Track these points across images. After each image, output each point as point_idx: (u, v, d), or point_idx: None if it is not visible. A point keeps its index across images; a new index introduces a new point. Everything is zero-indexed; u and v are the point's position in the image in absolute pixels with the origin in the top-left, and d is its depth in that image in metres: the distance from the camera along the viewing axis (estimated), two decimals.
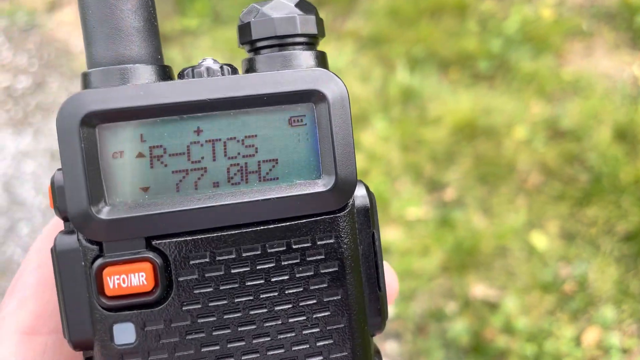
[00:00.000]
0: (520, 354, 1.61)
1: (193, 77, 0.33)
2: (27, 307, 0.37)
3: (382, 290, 0.36)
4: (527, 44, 2.34)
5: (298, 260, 0.33)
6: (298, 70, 0.33)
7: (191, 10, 2.74)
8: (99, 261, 0.31)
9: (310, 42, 0.36)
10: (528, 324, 1.66)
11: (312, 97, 0.33)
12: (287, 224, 0.33)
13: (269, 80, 0.32)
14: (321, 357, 0.34)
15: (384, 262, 0.41)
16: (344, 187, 0.33)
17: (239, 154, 0.32)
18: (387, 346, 1.68)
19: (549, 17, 2.40)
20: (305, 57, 0.35)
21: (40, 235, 0.40)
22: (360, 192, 0.35)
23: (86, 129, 0.31)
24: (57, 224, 0.39)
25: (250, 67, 0.36)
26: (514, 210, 1.91)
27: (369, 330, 0.35)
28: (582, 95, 2.17)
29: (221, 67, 0.33)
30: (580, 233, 1.85)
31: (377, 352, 0.38)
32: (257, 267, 0.32)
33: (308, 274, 0.33)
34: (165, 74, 0.34)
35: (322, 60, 0.36)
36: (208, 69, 0.33)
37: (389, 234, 1.89)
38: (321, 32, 0.36)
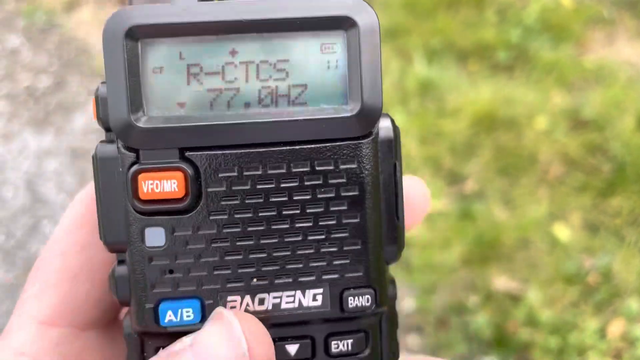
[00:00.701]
0: (544, 347, 1.59)
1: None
2: (47, 296, 0.38)
3: (400, 220, 0.37)
4: (547, 33, 2.31)
5: (320, 182, 0.34)
6: None
7: None
8: (135, 167, 0.33)
9: None
10: (552, 317, 1.64)
11: (344, 23, 0.34)
12: (312, 146, 0.34)
13: (303, 4, 0.33)
14: (337, 275, 0.35)
15: (415, 177, 0.44)
16: (369, 114, 0.34)
17: (270, 77, 0.34)
18: (408, 340, 1.68)
19: (569, 5, 2.37)
20: None
21: (61, 223, 0.41)
22: (385, 124, 0.36)
23: (130, 42, 0.33)
24: (76, 212, 0.40)
25: None
26: (536, 201, 1.89)
27: (386, 255, 0.37)
28: (604, 84, 2.13)
29: None
30: (604, 224, 1.83)
31: (392, 282, 0.39)
32: (282, 185, 0.34)
33: (329, 195, 0.34)
34: None
35: None
36: None
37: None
38: None
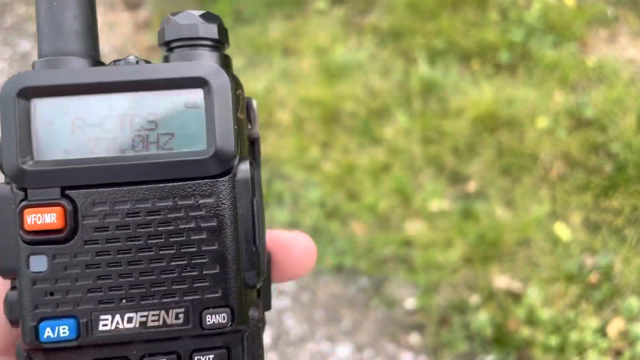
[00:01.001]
0: (544, 345, 1.61)
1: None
2: None
3: (258, 247, 0.42)
4: (550, 32, 2.31)
5: (182, 214, 0.40)
6: (191, 63, 0.42)
7: (213, 9, 2.77)
8: (23, 203, 0.39)
9: (215, 45, 0.44)
10: (552, 315, 1.66)
11: (200, 83, 0.41)
12: (175, 184, 0.40)
13: (165, 68, 0.41)
14: (197, 296, 0.40)
15: (302, 233, 0.49)
16: (222, 156, 0.40)
17: (142, 127, 0.41)
18: (410, 338, 1.70)
19: (571, 4, 2.37)
20: (210, 57, 0.44)
21: None
22: (243, 167, 0.41)
23: (21, 100, 0.39)
24: None
25: (165, 62, 0.44)
26: (538, 201, 1.90)
27: (245, 280, 0.42)
28: (606, 83, 2.14)
29: (137, 61, 0.41)
30: (605, 223, 1.84)
31: (257, 306, 0.43)
32: (148, 218, 0.40)
33: (190, 225, 0.40)
34: (95, 65, 0.43)
35: (225, 62, 0.45)
36: (126, 61, 0.41)
37: (411, 227, 1.90)
38: (224, 39, 0.45)
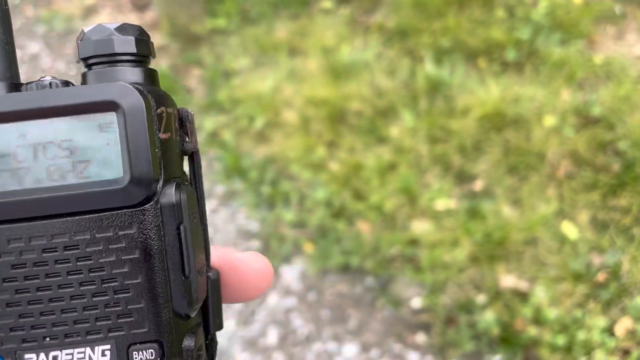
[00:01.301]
0: (551, 345, 1.60)
1: (27, 91, 0.40)
2: None
3: (188, 277, 0.40)
4: (557, 30, 2.30)
5: (101, 247, 0.38)
6: (101, 85, 0.39)
7: (220, 10, 2.79)
8: None
9: (138, 60, 0.41)
10: (559, 315, 1.65)
11: (112, 106, 0.38)
12: (93, 215, 0.38)
13: (74, 92, 0.38)
14: (123, 332, 0.39)
15: (257, 254, 0.47)
16: (139, 183, 0.38)
17: (56, 155, 0.38)
18: (416, 338, 1.70)
19: (578, 1, 2.35)
20: (132, 73, 0.41)
21: None
22: (168, 191, 0.39)
23: None
24: None
25: (83, 82, 0.42)
26: (545, 200, 1.89)
27: (177, 311, 0.40)
28: (614, 80, 2.12)
29: (50, 84, 0.39)
30: (613, 222, 1.83)
31: (193, 333, 0.42)
32: (65, 252, 0.38)
33: (110, 259, 0.38)
34: (11, 89, 0.40)
35: (150, 77, 0.42)
36: (37, 84, 0.39)
37: (418, 227, 1.90)
38: (144, 52, 0.42)
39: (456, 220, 1.89)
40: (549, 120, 2.04)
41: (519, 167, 1.98)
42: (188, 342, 0.40)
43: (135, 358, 0.39)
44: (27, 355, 0.38)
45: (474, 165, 2.02)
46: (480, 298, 1.74)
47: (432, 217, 1.91)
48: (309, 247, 1.93)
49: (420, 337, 1.70)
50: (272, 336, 1.75)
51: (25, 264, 0.38)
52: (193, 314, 0.41)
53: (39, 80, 0.39)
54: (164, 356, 0.39)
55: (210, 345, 0.46)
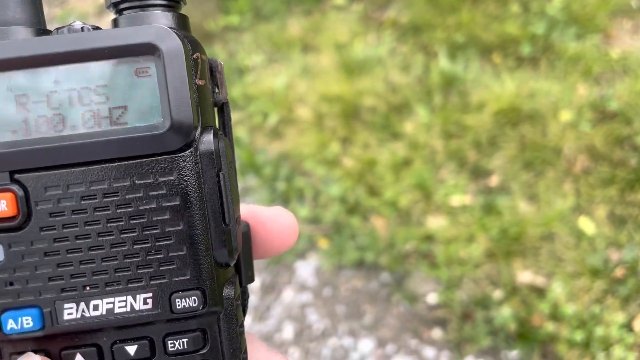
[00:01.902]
0: (569, 341, 1.59)
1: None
2: None
3: (229, 225, 0.39)
4: (572, 24, 2.28)
5: (141, 194, 0.37)
6: (138, 27, 0.37)
7: (233, 7, 2.79)
8: None
9: (170, 4, 0.40)
10: (577, 310, 1.64)
11: (150, 49, 0.37)
12: (131, 162, 0.37)
13: (110, 35, 0.37)
14: (165, 279, 0.38)
15: (283, 209, 0.47)
16: (179, 129, 0.37)
17: (92, 101, 0.37)
18: (432, 333, 1.70)
19: None
20: (165, 18, 0.40)
21: None
22: (206, 138, 0.38)
23: None
24: None
25: (114, 27, 0.40)
26: (561, 195, 1.88)
27: (217, 259, 0.39)
28: (631, 75, 2.10)
29: (82, 28, 0.38)
30: (631, 217, 1.81)
31: (231, 283, 0.41)
32: (105, 199, 0.37)
33: (151, 206, 0.38)
34: (39, 35, 0.39)
35: (182, 22, 0.41)
36: (69, 28, 0.38)
37: (433, 222, 1.89)
38: None
39: (472, 216, 1.88)
40: (565, 115, 2.03)
41: (535, 162, 1.97)
42: (228, 291, 0.40)
43: (178, 305, 0.38)
44: (66, 305, 0.38)
45: (490, 160, 2.00)
46: (497, 294, 1.73)
47: (448, 212, 1.91)
48: (323, 243, 1.93)
49: (437, 333, 1.70)
50: (288, 331, 1.75)
51: (64, 212, 0.37)
52: (232, 263, 0.41)
53: (69, 25, 0.38)
54: (206, 304, 0.39)
55: (243, 297, 0.46)
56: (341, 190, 2.01)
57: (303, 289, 1.85)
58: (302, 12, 2.68)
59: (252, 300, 1.83)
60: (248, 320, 1.78)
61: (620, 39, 2.24)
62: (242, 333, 0.42)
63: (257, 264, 1.94)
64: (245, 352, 0.43)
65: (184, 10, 0.42)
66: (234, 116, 2.38)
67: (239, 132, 2.32)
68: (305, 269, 1.89)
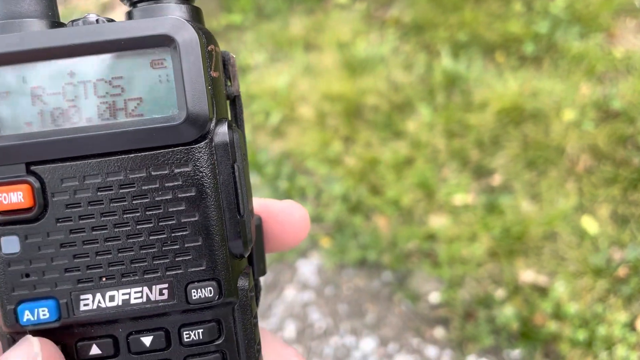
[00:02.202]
0: (571, 340, 1.59)
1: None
2: None
3: (243, 216, 0.39)
4: (576, 23, 2.27)
5: (157, 185, 0.38)
6: (153, 19, 0.38)
7: (235, 5, 2.79)
8: None
9: None
10: (580, 309, 1.64)
11: (165, 41, 0.37)
12: (147, 153, 0.38)
13: (126, 26, 0.37)
14: (180, 270, 0.38)
15: (294, 202, 0.47)
16: (195, 120, 0.37)
17: (107, 93, 0.37)
18: (435, 332, 1.69)
19: None
20: (177, 10, 0.40)
21: None
22: (221, 130, 0.38)
23: None
24: None
25: (128, 20, 0.40)
26: (564, 194, 1.88)
27: (232, 250, 0.40)
28: (634, 74, 2.10)
29: (97, 20, 0.38)
30: (634, 216, 1.80)
31: (245, 274, 0.41)
32: (121, 191, 0.37)
33: (167, 197, 0.38)
34: (54, 27, 0.39)
35: (196, 14, 0.41)
36: (84, 20, 0.38)
37: (435, 221, 1.89)
38: None
39: (474, 215, 1.87)
40: (568, 115, 2.02)
41: (537, 161, 1.96)
42: (242, 282, 0.41)
43: (194, 296, 0.39)
44: (83, 296, 0.38)
45: (492, 159, 2.00)
46: (499, 293, 1.73)
47: (450, 211, 1.90)
48: (326, 242, 1.93)
49: (439, 332, 1.69)
50: (290, 330, 1.75)
51: (80, 203, 0.37)
52: (247, 254, 0.41)
53: (84, 17, 0.38)
54: (221, 295, 0.39)
55: (256, 290, 0.47)
56: (343, 189, 2.01)
57: (305, 287, 1.85)
58: (304, 10, 2.68)
59: None
60: None
61: (623, 38, 2.24)
62: (256, 324, 0.42)
63: None
64: (259, 343, 0.43)
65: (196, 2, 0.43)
66: None
67: None
68: (308, 268, 1.89)
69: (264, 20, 2.71)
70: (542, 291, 1.70)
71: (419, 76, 2.26)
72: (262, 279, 1.94)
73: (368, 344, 1.70)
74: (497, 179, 1.97)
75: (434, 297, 1.76)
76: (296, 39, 2.54)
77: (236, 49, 2.64)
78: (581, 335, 1.58)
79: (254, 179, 2.16)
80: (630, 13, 2.29)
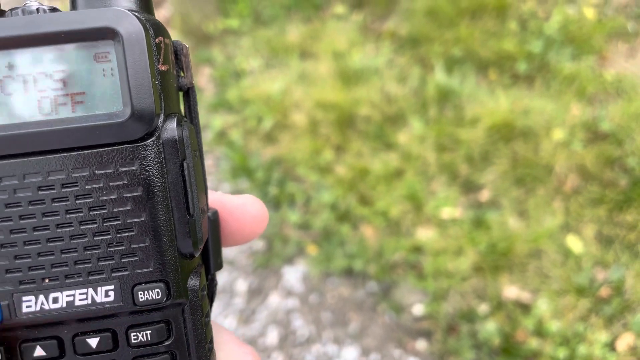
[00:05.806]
0: (552, 357, 1.60)
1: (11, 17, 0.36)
2: None
3: (193, 215, 0.38)
4: (569, 44, 2.30)
5: (101, 185, 0.36)
6: (97, 10, 0.36)
7: (233, 10, 2.80)
8: None
9: None
10: (561, 327, 1.65)
11: (108, 34, 0.35)
12: (91, 151, 0.36)
13: (67, 17, 0.35)
14: (127, 272, 0.37)
15: (253, 197, 0.46)
16: (141, 117, 0.36)
17: (48, 87, 0.36)
18: (417, 344, 1.70)
19: (591, 17, 2.36)
20: (125, 0, 0.38)
21: None
22: (169, 126, 0.37)
23: None
24: None
25: (72, 8, 0.39)
26: (551, 212, 1.89)
27: (181, 250, 0.38)
28: (624, 97, 2.13)
29: (37, 9, 0.36)
30: (618, 237, 1.82)
31: (196, 273, 0.40)
32: (63, 190, 0.36)
33: (111, 197, 0.36)
34: None
35: (144, 4, 0.39)
36: (23, 10, 0.36)
37: (422, 234, 1.90)
38: None
39: (461, 229, 1.88)
40: (558, 134, 2.04)
41: (526, 179, 1.98)
42: (193, 282, 0.40)
43: (141, 298, 0.38)
44: (25, 298, 0.37)
45: (481, 175, 2.02)
46: (483, 308, 1.73)
47: (437, 225, 1.91)
48: (312, 249, 1.93)
49: (421, 344, 1.70)
50: (272, 336, 1.75)
51: (20, 202, 0.36)
52: (197, 254, 0.40)
53: (24, 5, 0.36)
54: (169, 296, 0.38)
55: (211, 285, 0.46)
56: (332, 197, 2.01)
57: (290, 294, 1.85)
58: (301, 19, 2.70)
59: (238, 303, 1.82)
60: (233, 323, 1.78)
61: (615, 61, 2.27)
62: (207, 323, 0.41)
63: (244, 267, 1.93)
64: (211, 342, 0.42)
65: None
66: (229, 119, 2.39)
67: (233, 135, 2.32)
68: (293, 275, 1.89)
69: (261, 26, 2.72)
70: (524, 308, 1.71)
71: (412, 89, 2.28)
72: (246, 284, 1.93)
73: (350, 353, 1.70)
74: (485, 195, 1.98)
75: (418, 309, 1.77)
76: (292, 47, 2.55)
77: (232, 54, 2.65)
78: (562, 353, 1.59)
79: (244, 184, 2.16)
80: (623, 37, 2.32)
